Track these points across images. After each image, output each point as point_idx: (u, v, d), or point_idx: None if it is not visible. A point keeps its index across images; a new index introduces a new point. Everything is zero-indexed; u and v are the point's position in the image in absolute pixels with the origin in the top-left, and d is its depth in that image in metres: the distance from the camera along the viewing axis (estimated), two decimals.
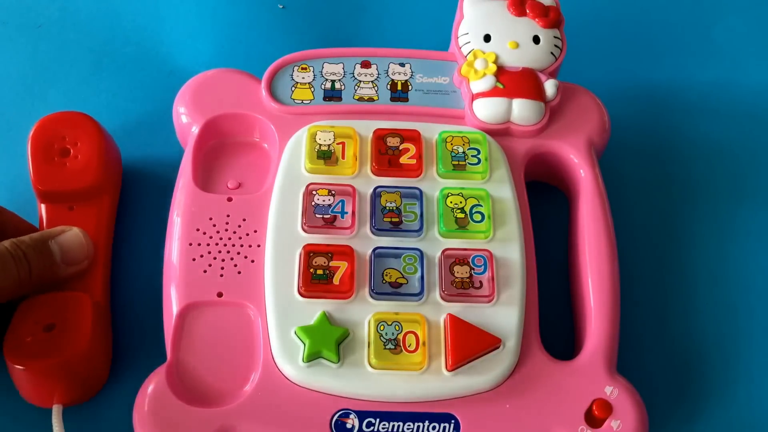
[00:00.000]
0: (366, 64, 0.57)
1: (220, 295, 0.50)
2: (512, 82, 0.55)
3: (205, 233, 0.51)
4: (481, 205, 0.52)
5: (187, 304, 0.50)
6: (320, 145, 0.53)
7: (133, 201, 0.58)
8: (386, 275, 0.50)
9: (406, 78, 0.57)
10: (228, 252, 0.51)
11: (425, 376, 0.47)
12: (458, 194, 0.52)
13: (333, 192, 0.52)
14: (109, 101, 0.63)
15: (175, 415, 0.46)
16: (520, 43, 0.56)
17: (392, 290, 0.49)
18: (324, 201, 0.51)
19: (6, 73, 0.64)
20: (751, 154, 0.64)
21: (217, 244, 0.51)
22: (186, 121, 0.56)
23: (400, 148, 0.54)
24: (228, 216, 0.52)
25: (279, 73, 0.57)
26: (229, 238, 0.51)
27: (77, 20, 0.67)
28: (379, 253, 0.50)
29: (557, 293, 0.55)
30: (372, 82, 0.57)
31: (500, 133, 0.55)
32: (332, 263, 0.49)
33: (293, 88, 0.56)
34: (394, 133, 0.54)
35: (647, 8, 0.72)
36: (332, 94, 0.56)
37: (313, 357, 0.47)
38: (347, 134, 0.54)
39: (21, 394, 0.50)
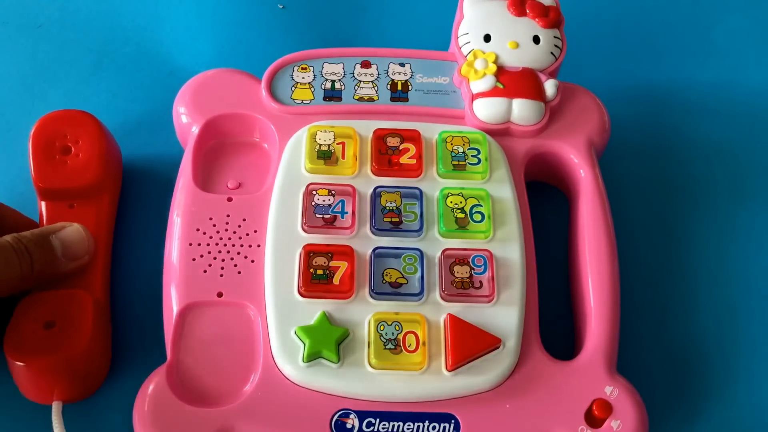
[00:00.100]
0: (366, 64, 0.57)
1: (220, 295, 0.50)
2: (512, 82, 0.55)
3: (205, 233, 0.51)
4: (481, 205, 0.52)
5: (187, 304, 0.50)
6: (320, 145, 0.53)
7: (133, 201, 0.58)
8: (386, 275, 0.50)
9: (406, 78, 0.57)
10: (228, 252, 0.51)
11: (425, 376, 0.47)
12: (458, 194, 0.52)
13: (333, 192, 0.52)
14: (109, 101, 0.63)
15: (175, 415, 0.47)
16: (520, 43, 0.56)
17: (392, 290, 0.49)
18: (324, 201, 0.51)
19: (6, 72, 0.65)
20: (751, 154, 0.64)
21: (217, 244, 0.51)
22: (186, 121, 0.56)
23: (400, 148, 0.54)
24: (228, 216, 0.52)
25: (279, 73, 0.57)
26: (229, 238, 0.51)
27: (77, 20, 0.67)
28: (379, 253, 0.50)
29: (557, 293, 0.55)
30: (372, 82, 0.57)
31: (500, 133, 0.55)
32: (332, 263, 0.49)
33: (293, 88, 0.56)
34: (394, 133, 0.54)
35: (647, 8, 0.72)
36: (332, 94, 0.56)
37: (313, 357, 0.47)
38: (347, 134, 0.54)
39: (21, 390, 0.50)
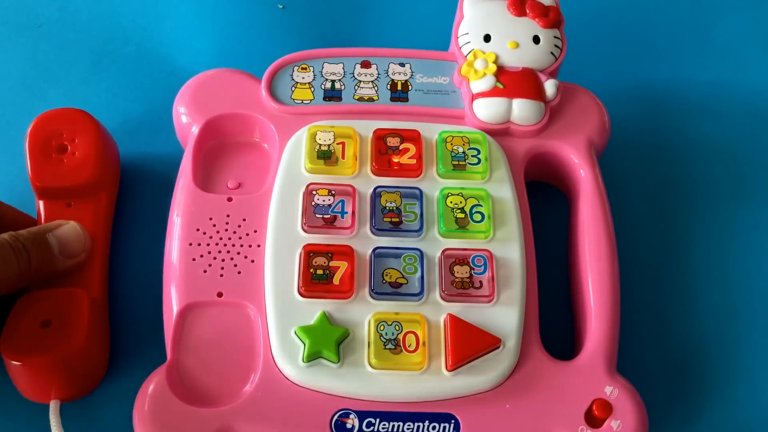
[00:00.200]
0: (366, 64, 0.57)
1: (220, 295, 0.50)
2: (512, 82, 0.55)
3: (205, 233, 0.51)
4: (481, 205, 0.52)
5: (187, 304, 0.50)
6: (320, 145, 0.53)
7: (133, 201, 0.58)
8: (386, 275, 0.50)
9: (406, 78, 0.57)
10: (228, 252, 0.51)
11: (425, 376, 0.47)
12: (458, 194, 0.52)
13: (333, 192, 0.52)
14: (109, 101, 0.63)
15: (175, 415, 0.47)
16: (520, 43, 0.56)
17: (392, 290, 0.49)
18: (324, 201, 0.51)
19: (6, 72, 0.65)
20: (751, 154, 0.64)
21: (217, 244, 0.51)
22: (186, 121, 0.56)
23: (400, 148, 0.54)
24: (228, 216, 0.52)
25: (279, 73, 0.57)
26: (229, 238, 0.51)
27: (77, 20, 0.67)
28: (379, 253, 0.50)
29: (557, 293, 0.55)
30: (372, 82, 0.57)
31: (500, 133, 0.55)
32: (332, 263, 0.49)
33: (293, 88, 0.56)
34: (394, 133, 0.54)
35: (647, 8, 0.72)
36: (332, 94, 0.56)
37: (313, 357, 0.47)
38: (347, 134, 0.54)
39: (18, 389, 0.50)
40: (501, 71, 0.55)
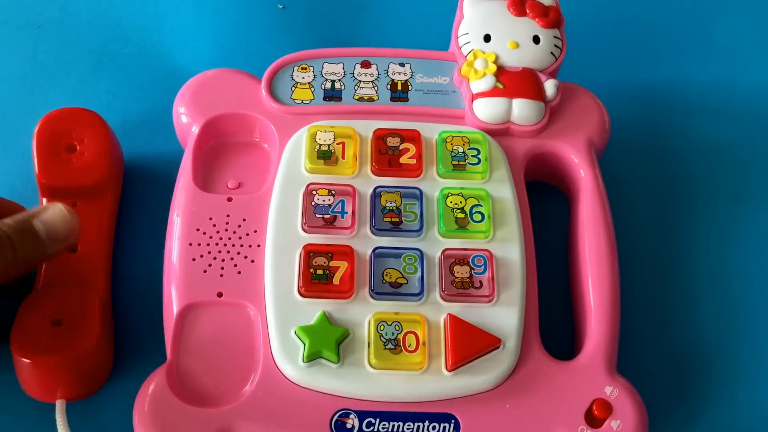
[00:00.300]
0: (366, 64, 0.57)
1: (220, 295, 0.50)
2: (512, 82, 0.55)
3: (205, 233, 0.51)
4: (481, 205, 0.52)
5: (187, 304, 0.50)
6: (320, 145, 0.53)
7: (133, 200, 0.58)
8: (386, 275, 0.50)
9: (406, 78, 0.57)
10: (228, 252, 0.51)
11: (425, 376, 0.47)
12: (458, 194, 0.52)
13: (333, 192, 0.52)
14: (109, 101, 0.63)
15: (175, 415, 0.47)
16: (520, 43, 0.56)
17: (392, 290, 0.49)
18: (324, 201, 0.52)
19: (6, 72, 0.64)
20: (751, 154, 0.64)
21: (217, 244, 0.51)
22: (186, 121, 0.56)
23: (400, 148, 0.54)
24: (228, 216, 0.52)
25: (279, 73, 0.57)
26: (229, 238, 0.51)
27: (77, 20, 0.67)
28: (379, 253, 0.50)
29: (557, 293, 0.55)
30: (372, 82, 0.57)
31: (500, 133, 0.55)
32: (332, 263, 0.50)
33: (293, 88, 0.56)
34: (394, 133, 0.54)
35: (647, 8, 0.72)
36: (332, 94, 0.56)
37: (313, 357, 0.47)
38: (347, 134, 0.54)
39: (23, 388, 0.50)
40: (501, 71, 0.55)
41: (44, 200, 0.54)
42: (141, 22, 0.68)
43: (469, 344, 0.48)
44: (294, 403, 0.47)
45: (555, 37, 0.56)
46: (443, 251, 0.50)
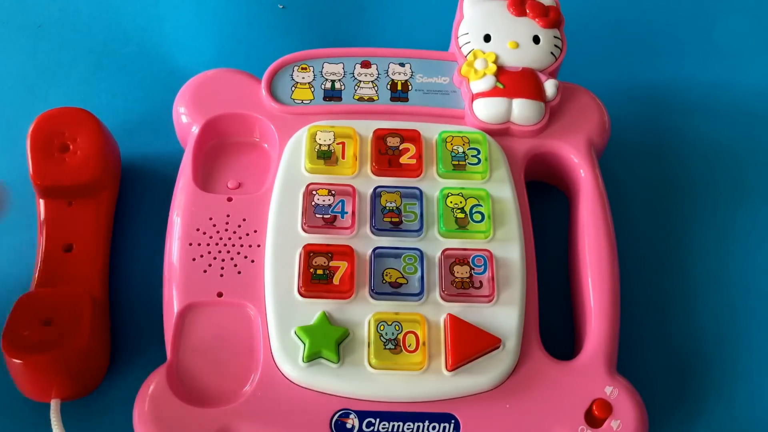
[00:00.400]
0: (366, 64, 0.57)
1: (220, 295, 0.50)
2: (512, 82, 0.55)
3: (205, 233, 0.51)
4: (481, 205, 0.52)
5: (187, 304, 0.50)
6: (320, 145, 0.53)
7: (133, 200, 0.58)
8: (386, 275, 0.50)
9: (406, 78, 0.57)
10: (228, 252, 0.51)
11: (425, 376, 0.47)
12: (458, 194, 0.52)
13: (333, 192, 0.52)
14: (109, 101, 0.63)
15: (175, 415, 0.47)
16: (520, 43, 0.56)
17: (392, 290, 0.49)
18: (324, 201, 0.52)
19: (6, 72, 0.65)
20: (751, 154, 0.64)
21: (217, 244, 0.51)
22: (186, 121, 0.56)
23: (400, 148, 0.54)
24: (228, 216, 0.52)
25: (279, 73, 0.57)
26: (229, 238, 0.51)
27: (77, 20, 0.67)
28: (379, 253, 0.50)
29: (557, 293, 0.55)
30: (372, 82, 0.57)
31: (500, 133, 0.55)
32: (332, 263, 0.50)
33: (293, 88, 0.56)
34: (394, 133, 0.54)
35: (647, 8, 0.72)
36: (332, 94, 0.56)
37: (313, 357, 0.47)
38: (347, 134, 0.54)
39: (18, 388, 0.50)
40: (501, 71, 0.55)
41: (41, 201, 0.54)
42: (141, 22, 0.68)
43: (469, 344, 0.48)
44: (294, 403, 0.47)
45: (555, 37, 0.56)
46: (443, 251, 0.50)
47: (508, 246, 0.51)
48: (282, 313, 0.49)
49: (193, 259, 0.51)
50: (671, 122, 0.65)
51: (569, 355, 0.51)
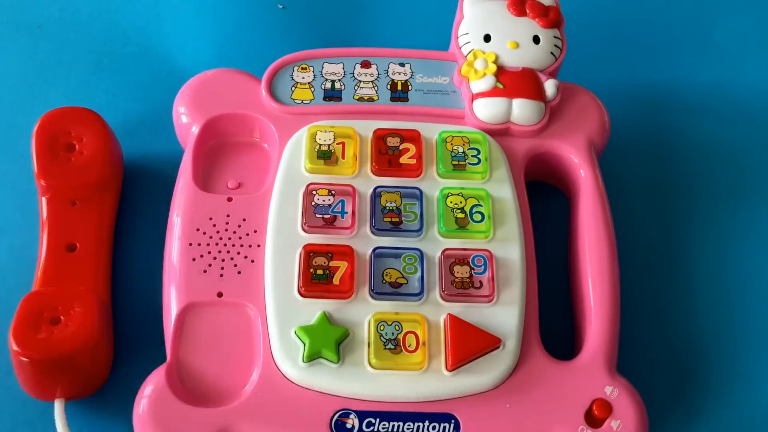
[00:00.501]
0: (366, 64, 0.57)
1: (220, 295, 0.50)
2: (512, 82, 0.55)
3: (205, 233, 0.51)
4: (481, 205, 0.52)
5: (187, 304, 0.50)
6: (320, 145, 0.53)
7: (133, 200, 0.58)
8: (386, 275, 0.50)
9: (406, 78, 0.57)
10: (228, 252, 0.51)
11: (425, 376, 0.47)
12: (458, 194, 0.52)
13: (333, 192, 0.52)
14: (109, 101, 0.63)
15: (175, 415, 0.46)
16: (520, 43, 0.56)
17: (392, 290, 0.49)
18: (324, 201, 0.52)
19: (6, 72, 0.65)
20: (751, 154, 0.64)
21: (217, 244, 0.51)
22: (186, 121, 0.56)
23: (400, 148, 0.54)
24: (228, 216, 0.52)
25: (279, 73, 0.57)
26: (229, 238, 0.51)
27: (77, 20, 0.67)
28: (379, 253, 0.50)
29: (557, 293, 0.55)
30: (372, 82, 0.57)
31: (500, 133, 0.55)
32: (332, 263, 0.50)
33: (293, 88, 0.56)
34: (394, 133, 0.54)
35: (647, 8, 0.72)
36: (332, 94, 0.56)
37: (313, 357, 0.47)
38: (347, 134, 0.54)
39: (22, 387, 0.50)
40: (501, 71, 0.55)
41: (44, 200, 0.54)
42: (141, 22, 0.68)
43: (469, 344, 0.48)
44: (294, 403, 0.47)
45: (555, 37, 0.56)
46: (443, 251, 0.50)
47: (508, 246, 0.51)
48: (282, 313, 0.49)
49: (193, 259, 0.51)
50: (671, 122, 0.65)
51: (569, 355, 0.51)
